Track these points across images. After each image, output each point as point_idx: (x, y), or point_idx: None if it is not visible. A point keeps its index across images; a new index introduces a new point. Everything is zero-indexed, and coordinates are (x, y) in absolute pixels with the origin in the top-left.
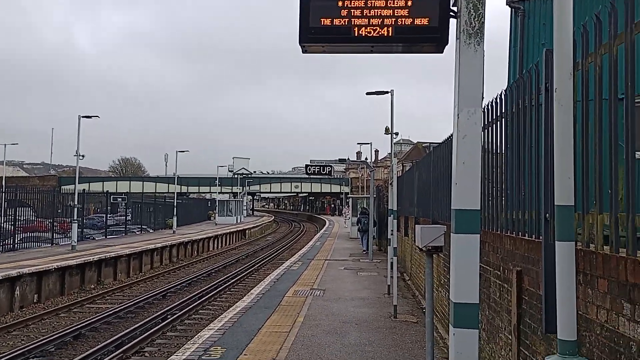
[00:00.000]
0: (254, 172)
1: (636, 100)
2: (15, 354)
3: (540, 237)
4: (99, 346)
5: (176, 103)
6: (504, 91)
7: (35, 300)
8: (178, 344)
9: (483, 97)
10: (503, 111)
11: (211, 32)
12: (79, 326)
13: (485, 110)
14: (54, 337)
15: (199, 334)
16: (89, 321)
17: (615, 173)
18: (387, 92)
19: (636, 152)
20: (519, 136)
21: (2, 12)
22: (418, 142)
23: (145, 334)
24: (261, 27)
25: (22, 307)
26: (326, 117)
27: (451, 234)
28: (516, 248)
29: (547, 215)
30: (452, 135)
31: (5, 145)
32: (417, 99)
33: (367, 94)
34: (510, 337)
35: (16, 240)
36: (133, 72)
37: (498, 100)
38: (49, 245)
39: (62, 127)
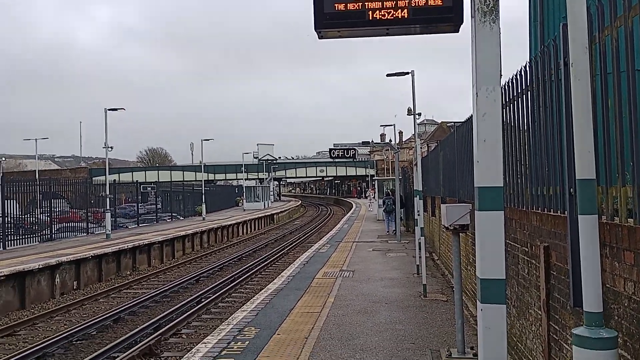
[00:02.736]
0: (279, 157)
1: None
2: (60, 337)
3: (566, 212)
4: (138, 329)
5: (181, 93)
6: (523, 67)
7: (74, 287)
8: (213, 326)
9: (501, 75)
10: (524, 87)
11: (205, 20)
12: (117, 310)
13: (507, 87)
14: (95, 321)
15: (232, 315)
16: (127, 305)
17: (636, 145)
18: (407, 73)
19: None
20: (541, 112)
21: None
22: (442, 121)
23: (182, 317)
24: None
25: (63, 293)
26: (345, 102)
27: (475, 211)
28: (543, 224)
29: (572, 190)
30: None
31: (36, 140)
32: (433, 79)
33: (388, 75)
34: (539, 312)
35: (53, 231)
36: (133, 64)
37: (518, 77)
38: (84, 234)
39: (89, 120)
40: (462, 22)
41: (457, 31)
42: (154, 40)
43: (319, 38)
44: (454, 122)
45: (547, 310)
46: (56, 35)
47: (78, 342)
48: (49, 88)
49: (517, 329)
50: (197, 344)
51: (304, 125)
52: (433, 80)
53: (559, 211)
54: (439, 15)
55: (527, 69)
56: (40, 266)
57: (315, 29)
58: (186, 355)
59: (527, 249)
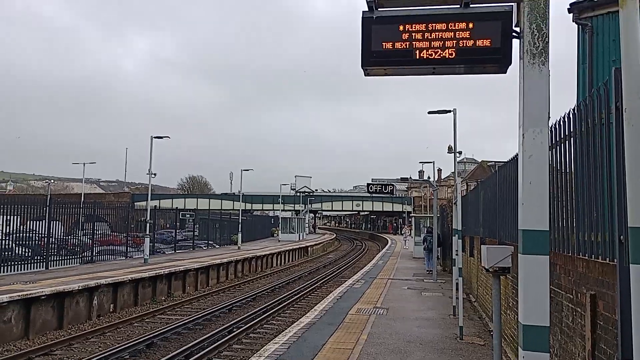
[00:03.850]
0: (316, 190)
1: None
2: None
3: (615, 260)
4: (169, 355)
5: (216, 124)
6: (572, 109)
7: (111, 310)
8: (244, 357)
9: (549, 117)
10: (572, 130)
11: (238, 52)
12: (151, 335)
13: (553, 129)
14: (129, 345)
15: (264, 347)
16: (161, 331)
17: None
18: (449, 111)
19: None
20: (590, 156)
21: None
22: (482, 160)
23: (213, 345)
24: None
25: (99, 315)
26: (376, 138)
27: (519, 254)
28: (589, 271)
29: (622, 237)
30: (516, 155)
31: (84, 164)
32: (465, 118)
33: (429, 112)
34: None
35: (94, 253)
36: (169, 94)
37: (567, 119)
38: (123, 258)
39: (131, 146)
40: (510, 63)
41: (505, 72)
42: (188, 72)
43: (365, 75)
44: (495, 162)
45: None
46: (99, 63)
47: None
48: (92, 114)
49: None
50: None
51: (338, 160)
52: (464, 119)
53: (607, 259)
54: (487, 56)
55: (576, 111)
56: (80, 287)
57: (362, 66)
58: None
59: (572, 296)
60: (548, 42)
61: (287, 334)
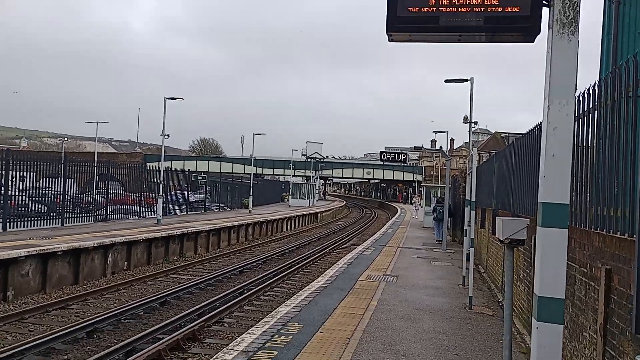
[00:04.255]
0: (327, 156)
1: None
2: (110, 314)
3: (635, 236)
4: (182, 313)
5: (224, 87)
6: (597, 82)
7: (125, 268)
8: (254, 318)
9: (576, 89)
10: (596, 103)
11: (245, 15)
12: (164, 294)
13: (580, 99)
14: (143, 302)
15: (276, 309)
16: (173, 290)
17: None
18: (466, 80)
19: None
20: (613, 130)
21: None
22: (496, 131)
23: (225, 306)
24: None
25: (114, 272)
26: (385, 106)
27: (537, 227)
28: (605, 246)
29: None
30: (536, 127)
31: (97, 122)
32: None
33: (446, 81)
34: (595, 336)
35: (107, 212)
36: (176, 56)
37: (590, 92)
38: (136, 217)
39: (142, 106)
40: (538, 32)
41: (532, 41)
42: (195, 34)
43: (390, 41)
44: (508, 133)
45: (604, 334)
46: (108, 22)
47: (126, 320)
48: (102, 75)
49: (567, 351)
50: (239, 334)
51: (349, 127)
52: (475, 90)
53: (626, 234)
54: (515, 24)
55: (602, 83)
56: (95, 245)
57: (387, 31)
58: (231, 344)
59: (585, 270)
60: (579, 11)
61: (299, 297)
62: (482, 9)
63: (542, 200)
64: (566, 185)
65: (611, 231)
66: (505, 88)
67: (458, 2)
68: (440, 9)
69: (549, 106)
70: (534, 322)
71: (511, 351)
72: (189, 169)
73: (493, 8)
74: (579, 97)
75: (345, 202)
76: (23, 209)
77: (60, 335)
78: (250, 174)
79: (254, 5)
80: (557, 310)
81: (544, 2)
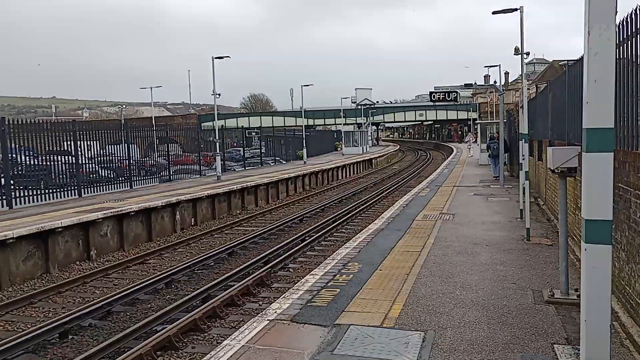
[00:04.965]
0: (377, 102)
1: None
2: (185, 265)
3: None
4: (250, 262)
5: (267, 40)
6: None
7: (192, 223)
8: (317, 262)
9: (617, 12)
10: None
11: None
12: (231, 245)
13: (625, 22)
14: (212, 253)
15: (336, 251)
16: (239, 241)
17: None
18: (515, 10)
19: None
20: None
21: None
22: (554, 60)
23: (288, 252)
24: None
25: (182, 228)
26: (438, 45)
27: (583, 152)
28: None
29: None
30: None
31: (151, 88)
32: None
33: (494, 13)
34: None
35: (170, 172)
36: (213, 14)
37: (634, 16)
38: (197, 176)
39: (193, 67)
40: None
41: None
42: None
43: None
44: (567, 61)
45: None
46: None
47: (199, 270)
48: (146, 39)
49: (626, 273)
50: (303, 277)
51: (397, 70)
52: (526, 17)
53: None
54: None
55: None
56: (163, 204)
57: None
58: (297, 285)
59: None
60: None
61: (357, 239)
62: None
63: (586, 126)
64: (610, 110)
65: None
66: (558, 11)
67: None
68: None
69: (589, 32)
70: (583, 244)
71: (567, 276)
72: (242, 126)
73: None
74: (629, 15)
75: (399, 146)
76: (93, 175)
77: (142, 287)
78: (302, 125)
79: None
80: (604, 232)
81: None
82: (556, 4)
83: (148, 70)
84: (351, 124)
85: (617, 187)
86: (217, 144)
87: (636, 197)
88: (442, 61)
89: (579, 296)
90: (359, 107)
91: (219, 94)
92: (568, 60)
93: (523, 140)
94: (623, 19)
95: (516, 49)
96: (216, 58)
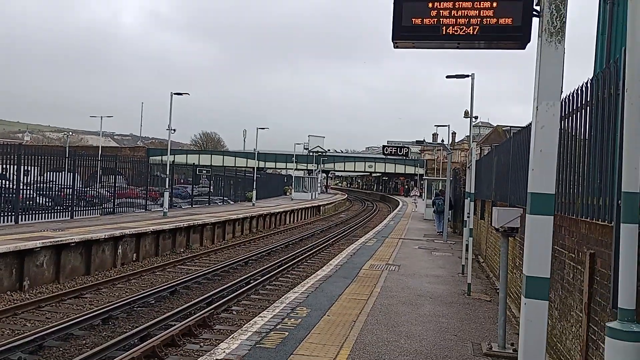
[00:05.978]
0: (328, 150)
1: None
2: (123, 302)
3: (613, 222)
4: (192, 302)
5: (217, 82)
6: (585, 83)
7: (134, 259)
8: (261, 306)
9: (562, 91)
10: (584, 102)
11: (232, 9)
12: (174, 283)
13: (568, 99)
14: (154, 291)
15: (285, 295)
16: (182, 280)
17: None
18: (467, 76)
19: None
20: (597, 128)
21: None
22: (497, 125)
23: (232, 295)
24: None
25: (124, 263)
26: (384, 101)
27: (527, 214)
28: (591, 232)
29: (619, 201)
30: (530, 124)
31: (101, 117)
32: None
33: (448, 77)
34: (581, 314)
35: (115, 205)
36: (166, 52)
37: (580, 91)
38: (143, 210)
39: (144, 101)
40: (529, 41)
41: (524, 48)
42: (182, 29)
43: (394, 47)
44: (510, 127)
45: (588, 312)
46: (100, 16)
47: (139, 308)
48: (95, 70)
49: (558, 330)
50: (246, 321)
51: (346, 122)
52: (467, 83)
53: (606, 221)
54: (508, 33)
55: (589, 85)
56: (106, 236)
57: (393, 39)
58: (245, 326)
59: (573, 255)
60: (565, 22)
61: (306, 285)
62: (479, 20)
63: (531, 191)
64: (552, 178)
65: (595, 219)
66: (505, 80)
67: (457, 13)
68: (441, 20)
69: (537, 107)
70: (523, 299)
71: (505, 330)
72: (193, 163)
73: (488, 20)
74: (572, 93)
75: (347, 195)
76: (30, 202)
77: (77, 322)
78: (254, 167)
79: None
80: (542, 288)
81: (534, 13)
82: (496, 74)
83: (96, 98)
84: (302, 169)
85: (553, 248)
86: (167, 179)
87: (569, 258)
88: (391, 118)
89: (515, 350)
90: (311, 153)
91: (174, 130)
92: (511, 127)
93: (469, 198)
94: (566, 96)
95: (466, 113)
96: (175, 94)
